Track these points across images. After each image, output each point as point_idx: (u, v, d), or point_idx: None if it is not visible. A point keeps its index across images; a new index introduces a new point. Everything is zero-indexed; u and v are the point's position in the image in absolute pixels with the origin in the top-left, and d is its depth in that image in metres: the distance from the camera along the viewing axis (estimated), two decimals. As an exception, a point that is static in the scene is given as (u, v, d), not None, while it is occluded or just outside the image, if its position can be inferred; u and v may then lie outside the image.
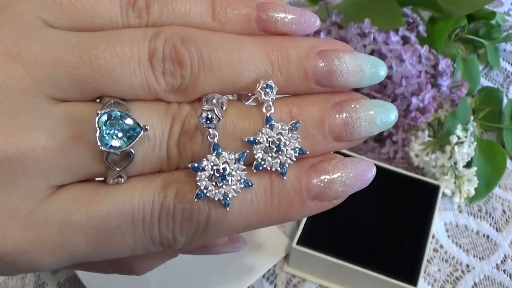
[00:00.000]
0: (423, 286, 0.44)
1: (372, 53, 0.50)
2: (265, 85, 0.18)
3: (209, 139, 0.18)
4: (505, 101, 0.57)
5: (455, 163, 0.48)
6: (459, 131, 0.48)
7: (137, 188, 0.18)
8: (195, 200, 0.18)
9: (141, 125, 0.17)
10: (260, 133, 0.18)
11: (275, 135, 0.18)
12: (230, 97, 0.19)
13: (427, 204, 0.46)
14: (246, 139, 0.18)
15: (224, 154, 0.18)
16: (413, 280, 0.40)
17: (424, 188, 0.47)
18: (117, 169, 0.18)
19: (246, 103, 0.19)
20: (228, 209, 0.18)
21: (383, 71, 0.20)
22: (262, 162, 0.18)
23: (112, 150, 0.17)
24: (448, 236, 0.47)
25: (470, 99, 0.57)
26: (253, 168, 0.18)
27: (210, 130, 0.18)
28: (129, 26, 0.19)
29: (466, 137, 0.49)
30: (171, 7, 0.19)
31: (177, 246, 0.19)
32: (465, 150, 0.48)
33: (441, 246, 0.46)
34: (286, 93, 0.19)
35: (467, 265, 0.45)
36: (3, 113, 0.17)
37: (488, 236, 0.48)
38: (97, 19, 0.18)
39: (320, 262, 0.41)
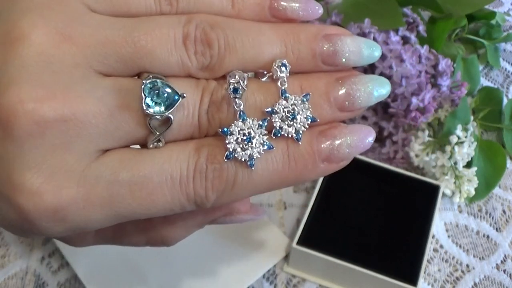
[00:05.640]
0: (423, 286, 0.44)
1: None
2: (280, 64, 0.21)
3: (236, 107, 0.21)
4: (505, 101, 0.57)
5: (455, 163, 0.48)
6: (459, 131, 0.48)
7: (174, 151, 0.21)
8: (225, 160, 0.20)
9: (179, 93, 0.20)
10: (277, 104, 0.21)
11: (290, 106, 0.21)
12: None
13: (427, 204, 0.46)
14: (266, 110, 0.21)
15: (249, 120, 0.21)
16: (413, 280, 0.40)
17: (424, 188, 0.47)
18: (157, 133, 0.20)
19: (263, 79, 0.22)
20: (253, 169, 0.21)
21: (377, 52, 0.23)
22: (280, 130, 0.21)
23: (155, 115, 0.20)
24: (448, 236, 0.47)
25: (470, 99, 0.57)
26: (272, 135, 0.21)
27: (236, 99, 0.21)
28: (161, 12, 0.21)
29: (466, 137, 0.49)
30: None
31: (208, 203, 0.21)
32: (465, 150, 0.48)
33: (441, 246, 0.46)
34: (296, 72, 0.22)
35: (467, 265, 0.45)
36: (60, 82, 0.19)
37: (488, 236, 0.48)
38: (134, 6, 0.21)
39: (320, 262, 0.41)
